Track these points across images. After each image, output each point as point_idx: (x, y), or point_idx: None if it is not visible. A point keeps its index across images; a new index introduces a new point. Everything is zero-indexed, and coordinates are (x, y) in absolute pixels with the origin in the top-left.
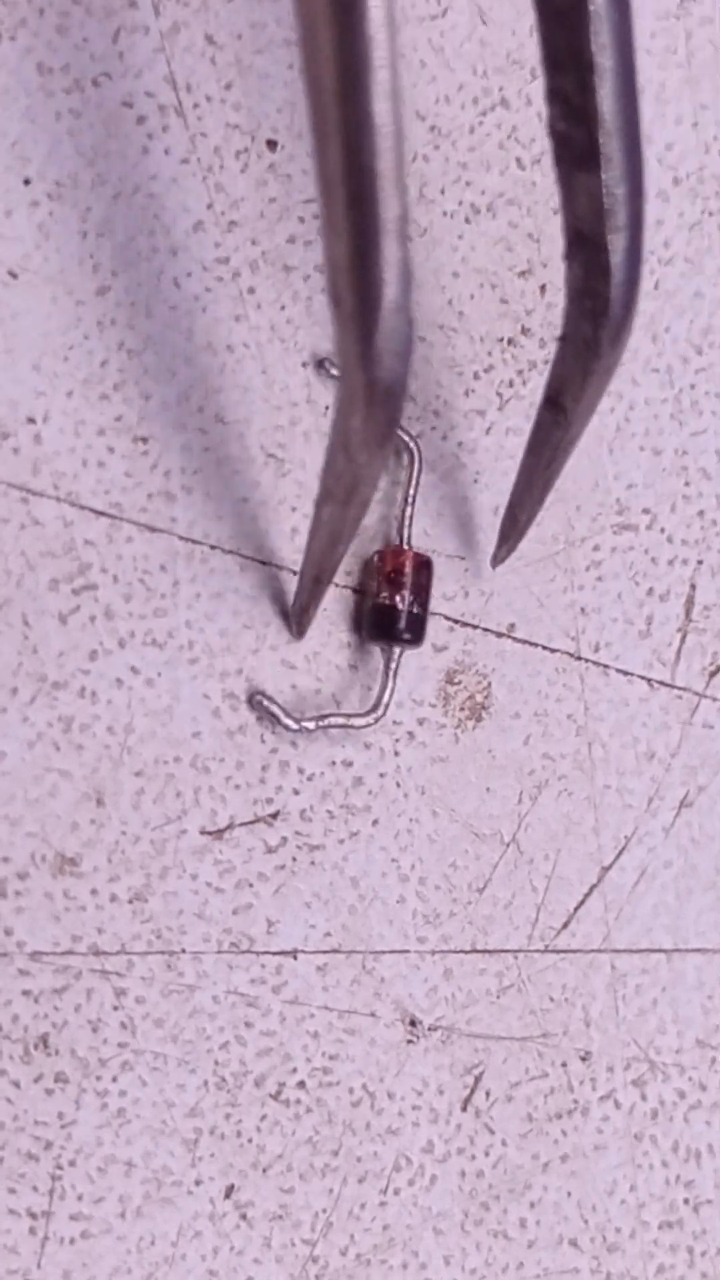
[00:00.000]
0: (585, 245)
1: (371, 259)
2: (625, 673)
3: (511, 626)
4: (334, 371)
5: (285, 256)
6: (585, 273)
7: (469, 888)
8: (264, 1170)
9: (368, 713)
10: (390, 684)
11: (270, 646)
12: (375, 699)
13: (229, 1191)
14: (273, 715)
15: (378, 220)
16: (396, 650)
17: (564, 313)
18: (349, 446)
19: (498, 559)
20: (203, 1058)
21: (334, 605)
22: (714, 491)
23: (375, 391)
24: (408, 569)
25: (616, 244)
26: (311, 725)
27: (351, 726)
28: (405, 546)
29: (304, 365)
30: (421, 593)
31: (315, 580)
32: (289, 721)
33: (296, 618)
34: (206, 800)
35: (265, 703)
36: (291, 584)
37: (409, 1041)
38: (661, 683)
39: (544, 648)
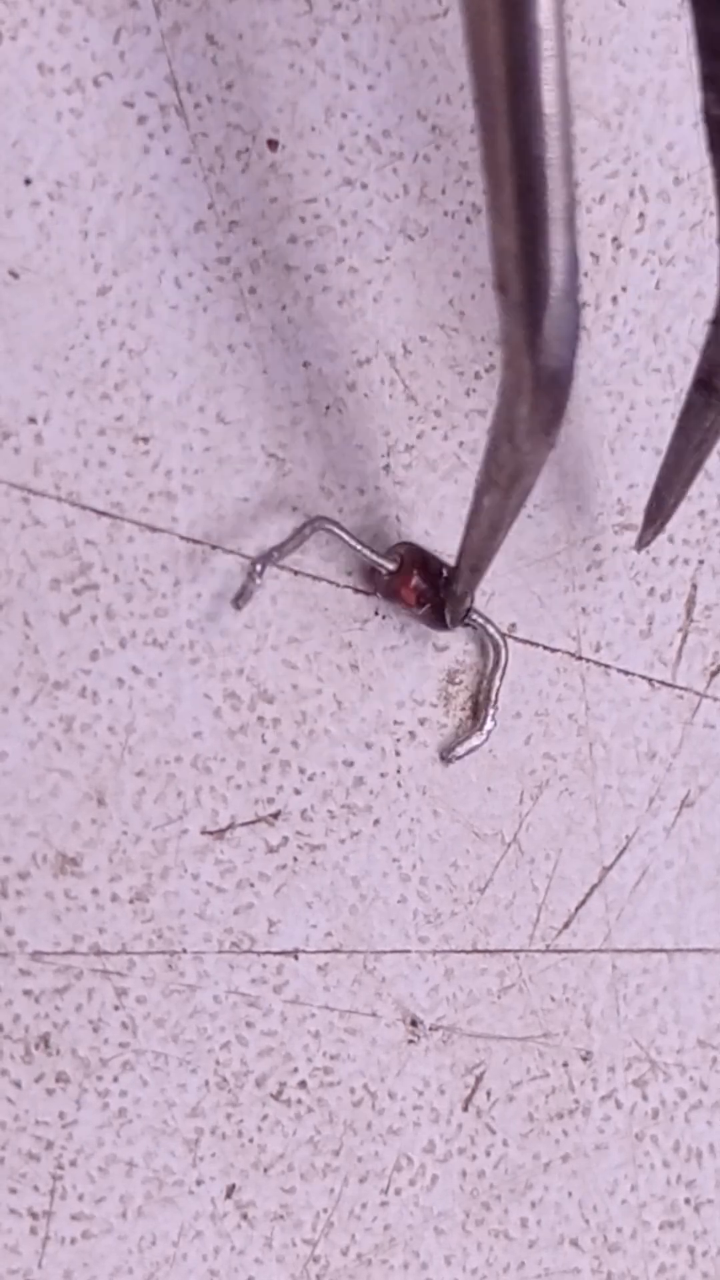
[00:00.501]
0: None
1: (540, 247)
2: (626, 672)
3: (513, 626)
4: (257, 575)
5: (286, 256)
6: None
7: (470, 887)
8: (265, 1170)
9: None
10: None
11: (271, 646)
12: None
13: (230, 1191)
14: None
15: (546, 209)
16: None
17: (717, 296)
18: (514, 435)
19: (644, 541)
20: (204, 1058)
21: (335, 605)
22: (715, 491)
23: (542, 379)
24: (414, 584)
25: None
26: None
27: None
28: (396, 570)
29: (305, 365)
30: (430, 578)
31: (474, 570)
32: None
33: (453, 608)
34: (208, 800)
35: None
36: (294, 584)
37: (410, 1041)
38: (663, 682)
39: (545, 647)
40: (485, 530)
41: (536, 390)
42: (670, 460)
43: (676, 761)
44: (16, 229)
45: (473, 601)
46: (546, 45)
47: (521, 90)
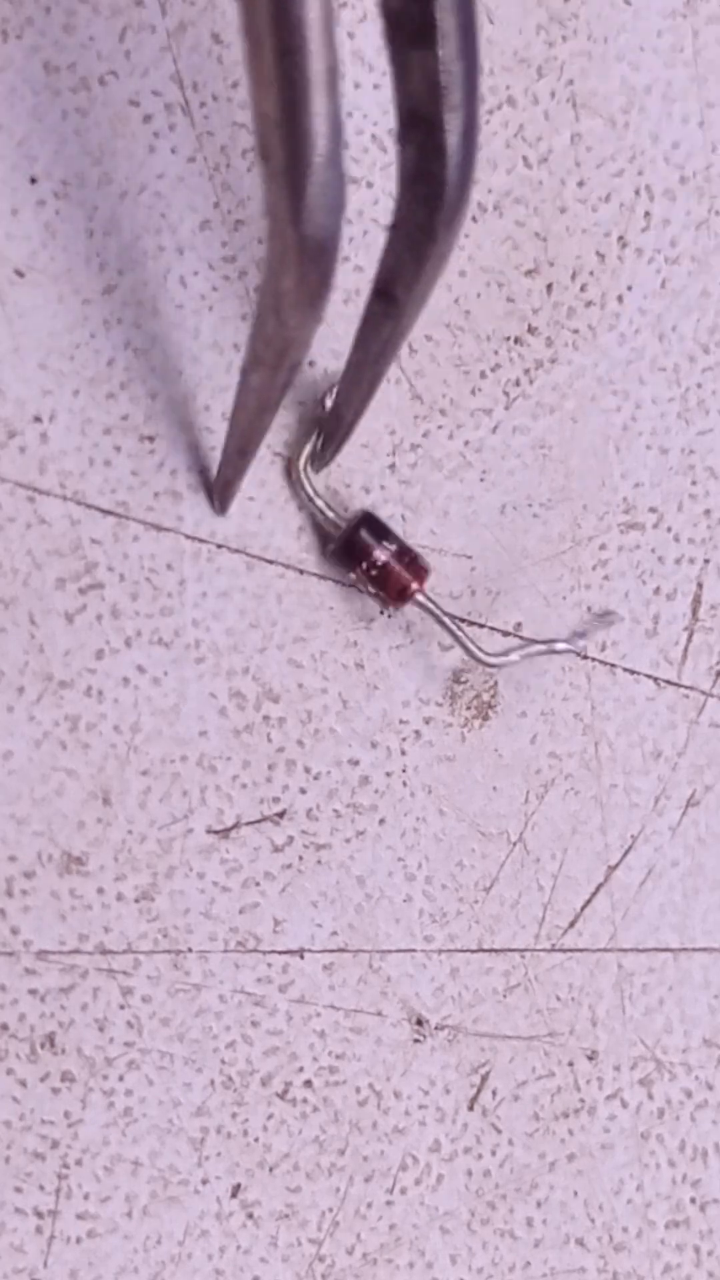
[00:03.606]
0: (419, 126)
1: (301, 111)
2: (632, 672)
3: (518, 625)
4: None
5: None
6: (419, 155)
7: (475, 887)
8: (271, 1169)
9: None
10: None
11: (277, 645)
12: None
13: (236, 1190)
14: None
15: (307, 72)
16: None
17: (395, 200)
18: (280, 309)
19: (324, 461)
20: (209, 1057)
21: (340, 604)
22: None
23: (307, 248)
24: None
25: (452, 123)
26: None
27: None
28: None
29: (310, 364)
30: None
31: (240, 452)
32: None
33: (220, 492)
34: (213, 799)
35: None
36: (299, 583)
37: (416, 1041)
38: (668, 682)
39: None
40: (253, 411)
41: (301, 261)
42: (349, 374)
43: (682, 761)
44: (22, 228)
45: (239, 487)
46: None
47: None
